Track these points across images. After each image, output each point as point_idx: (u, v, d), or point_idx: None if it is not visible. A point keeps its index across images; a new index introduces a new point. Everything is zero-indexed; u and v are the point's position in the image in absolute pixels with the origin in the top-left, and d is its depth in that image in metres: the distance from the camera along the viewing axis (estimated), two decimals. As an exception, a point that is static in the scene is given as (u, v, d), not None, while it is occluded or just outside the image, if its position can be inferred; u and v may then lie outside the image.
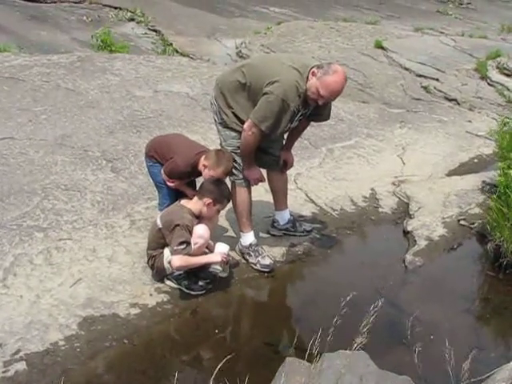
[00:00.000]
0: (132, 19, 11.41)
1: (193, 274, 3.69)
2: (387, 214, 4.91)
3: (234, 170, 3.90)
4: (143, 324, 3.40)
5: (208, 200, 3.59)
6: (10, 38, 9.13)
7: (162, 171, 3.90)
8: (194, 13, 12.26)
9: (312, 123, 5.35)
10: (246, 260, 4.04)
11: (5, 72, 6.96)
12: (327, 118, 4.10)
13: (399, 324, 3.49)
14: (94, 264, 3.83)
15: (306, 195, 5.08)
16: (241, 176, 3.91)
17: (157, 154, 3.94)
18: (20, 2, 11.66)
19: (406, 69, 9.17)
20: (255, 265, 3.99)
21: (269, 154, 4.11)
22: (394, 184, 5.43)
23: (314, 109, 3.86)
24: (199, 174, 3.85)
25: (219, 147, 3.96)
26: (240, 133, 3.77)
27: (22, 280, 3.61)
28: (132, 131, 5.85)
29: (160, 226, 3.60)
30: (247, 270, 4.00)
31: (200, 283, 3.69)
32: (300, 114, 3.79)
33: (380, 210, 4.97)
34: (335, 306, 3.12)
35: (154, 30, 10.70)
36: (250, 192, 4.00)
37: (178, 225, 3.50)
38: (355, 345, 2.77)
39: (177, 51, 9.55)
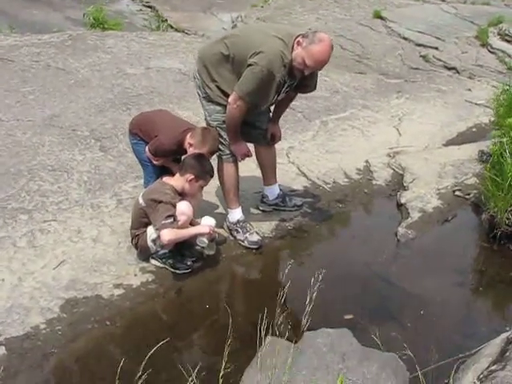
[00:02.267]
0: (127, -4, 11.22)
1: (178, 253, 3.62)
2: (381, 187, 4.80)
3: (220, 146, 3.80)
4: (126, 305, 3.34)
5: (190, 176, 3.50)
6: (1, 19, 8.97)
7: (147, 149, 3.80)
8: (190, -13, 12.02)
9: (305, 96, 5.25)
10: (234, 237, 3.96)
11: (-5, 54, 6.84)
12: (314, 88, 3.97)
13: (388, 299, 3.44)
14: (78, 245, 3.76)
15: (298, 169, 4.97)
16: (227, 151, 3.81)
17: (141, 132, 3.84)
18: (12, -18, 11.46)
19: (405, 38, 8.96)
20: (243, 241, 3.91)
21: (256, 127, 4.00)
22: (388, 155, 5.31)
23: (301, 79, 3.74)
24: (185, 151, 3.75)
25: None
26: (225, 107, 3.65)
27: (4, 264, 3.55)
28: (122, 109, 5.75)
29: (143, 205, 3.52)
30: (235, 247, 3.92)
31: (186, 261, 3.62)
32: (287, 85, 3.67)
33: (374, 182, 4.86)
34: (323, 283, 3.06)
35: (149, 7, 10.52)
36: (237, 167, 3.90)
37: (161, 201, 3.42)
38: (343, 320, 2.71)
39: (171, 27, 9.38)
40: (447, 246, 3.96)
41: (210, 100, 3.72)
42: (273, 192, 4.29)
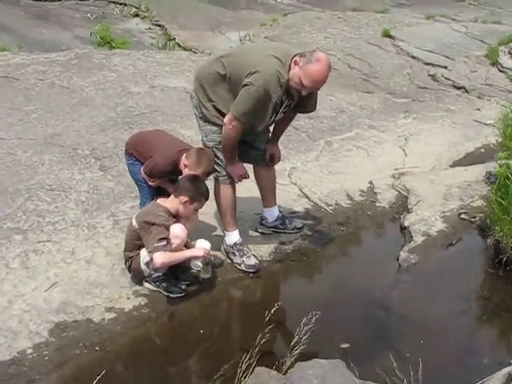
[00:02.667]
0: (137, 15, 11.30)
1: (172, 276, 3.53)
2: (384, 209, 4.69)
3: (216, 167, 3.73)
4: (117, 330, 3.25)
5: (184, 198, 3.42)
6: (11, 37, 9.06)
7: (142, 170, 3.74)
8: (200, 6, 12.10)
9: (309, 115, 5.17)
10: (231, 260, 3.86)
11: (2, 72, 6.86)
12: (313, 108, 3.90)
13: (387, 327, 3.32)
14: (71, 267, 3.69)
15: (300, 190, 4.88)
16: (224, 172, 3.73)
17: (136, 152, 3.79)
18: (25, 1, 11.61)
19: (414, 57, 8.89)
20: (240, 265, 3.81)
21: (254, 148, 3.93)
22: (393, 177, 5.21)
23: (299, 99, 3.67)
24: (181, 172, 3.68)
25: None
26: (221, 127, 3.59)
27: (-6, 285, 3.49)
28: (124, 128, 5.71)
29: (136, 227, 3.45)
30: (232, 271, 3.82)
31: (180, 285, 3.53)
32: (284, 105, 3.60)
33: (377, 204, 4.75)
34: (321, 310, 2.96)
35: (158, 25, 10.58)
36: (234, 189, 3.82)
37: (154, 223, 3.34)
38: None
39: (179, 45, 9.40)
40: (450, 272, 3.83)
41: (206, 120, 3.66)
42: (272, 214, 4.19)
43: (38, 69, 7.06)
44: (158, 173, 3.66)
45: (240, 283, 3.74)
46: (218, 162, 3.70)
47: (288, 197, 4.75)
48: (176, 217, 3.49)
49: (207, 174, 3.62)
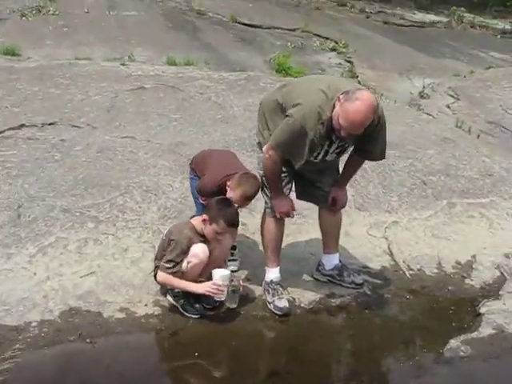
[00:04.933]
0: (334, 49, 11.39)
1: (192, 295, 3.50)
2: (471, 289, 4.04)
3: (264, 197, 3.63)
4: (117, 330, 3.33)
5: (205, 216, 3.38)
6: (209, 55, 9.75)
7: (196, 187, 3.80)
8: (402, 50, 11.77)
9: (447, 172, 4.72)
10: (266, 297, 3.70)
11: (171, 81, 7.51)
12: (379, 156, 3.56)
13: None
14: (115, 262, 3.89)
15: (388, 246, 4.46)
16: (270, 204, 3.60)
17: (197, 168, 3.86)
18: (238, 27, 12.48)
19: None
20: (270, 304, 3.62)
21: (316, 187, 3.72)
22: (506, 256, 4.46)
23: (359, 143, 3.39)
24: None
25: None
26: None
27: (46, 260, 3.83)
28: (246, 149, 5.80)
29: (164, 238, 3.50)
30: (262, 308, 3.65)
31: (196, 306, 3.48)
32: (335, 145, 3.36)
33: (467, 281, 4.12)
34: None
35: (349, 61, 10.55)
36: (279, 223, 3.65)
37: (172, 240, 3.37)
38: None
39: (359, 83, 9.27)
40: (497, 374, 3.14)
41: (261, 148, 3.58)
42: (330, 262, 3.91)
43: (203, 84, 7.56)
44: (205, 192, 3.67)
45: (262, 323, 3.54)
46: (267, 192, 3.58)
47: (371, 250, 4.40)
48: (204, 236, 3.45)
49: (246, 199, 3.50)
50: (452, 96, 8.59)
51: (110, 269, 3.80)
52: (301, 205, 4.08)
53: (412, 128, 6.87)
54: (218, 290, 3.35)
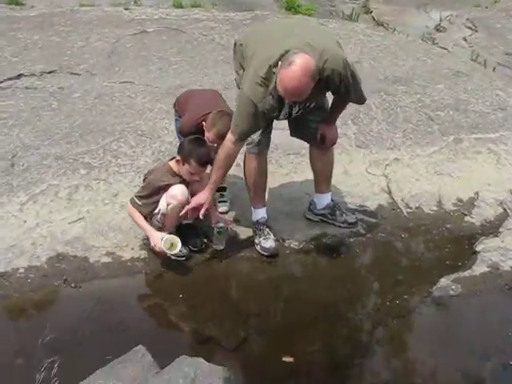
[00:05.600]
0: (351, -16, 10.94)
1: (179, 238, 3.47)
2: (471, 226, 3.92)
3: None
4: (103, 274, 3.35)
5: (178, 157, 3.32)
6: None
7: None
8: (423, -19, 11.24)
9: (456, 106, 4.67)
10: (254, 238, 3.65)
11: (175, 24, 7.31)
12: (357, 102, 3.44)
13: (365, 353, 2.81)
14: (105, 208, 3.87)
15: (387, 184, 4.34)
16: (250, 140, 3.46)
17: (179, 108, 3.77)
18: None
19: None
20: (256, 245, 3.58)
21: (305, 125, 3.58)
22: (511, 192, 4.30)
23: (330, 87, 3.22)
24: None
25: None
26: None
27: (36, 208, 3.84)
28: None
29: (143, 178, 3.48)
30: (249, 249, 3.62)
31: (182, 248, 3.45)
32: (297, 108, 3.26)
33: (466, 218, 4.00)
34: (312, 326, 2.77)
35: (365, -5, 10.12)
36: (261, 162, 3.54)
37: (145, 179, 3.40)
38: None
39: (373, 19, 8.90)
40: (482, 324, 3.04)
41: (238, 85, 3.46)
42: (321, 201, 3.82)
43: (208, 25, 7.34)
44: (184, 132, 3.59)
45: (248, 264, 3.52)
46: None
47: (368, 189, 4.28)
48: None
49: (221, 138, 3.38)
50: (470, 28, 8.18)
51: (98, 214, 3.79)
52: (299, 143, 4.00)
53: (423, 63, 6.56)
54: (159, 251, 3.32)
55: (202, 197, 3.30)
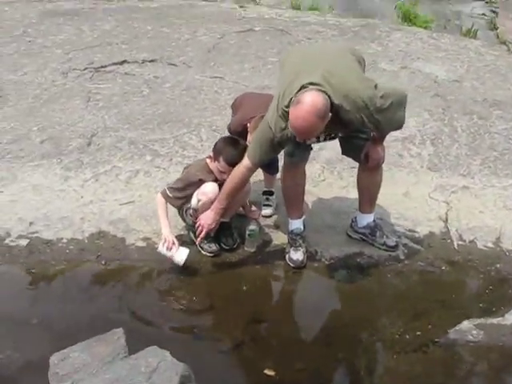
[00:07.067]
0: (488, -2, 10.34)
1: (213, 236, 3.56)
2: (521, 270, 3.62)
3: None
4: (133, 257, 3.52)
5: (211, 153, 3.41)
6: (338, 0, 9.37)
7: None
8: None
9: None
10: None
11: (282, 25, 7.40)
12: (391, 131, 3.37)
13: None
14: (156, 195, 4.06)
15: (446, 212, 4.12)
16: (286, 150, 3.40)
17: (234, 107, 3.86)
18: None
19: None
20: (286, 254, 3.58)
21: (352, 140, 3.51)
22: None
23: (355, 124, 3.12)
24: None
25: None
26: None
27: (96, 186, 4.13)
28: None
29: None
30: (279, 256, 3.62)
31: (212, 245, 3.55)
32: (323, 137, 3.23)
33: (520, 261, 3.70)
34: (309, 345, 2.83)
35: (495, 12, 9.49)
36: (296, 173, 3.49)
37: (183, 172, 3.51)
38: None
39: (497, 36, 8.36)
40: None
41: None
42: (362, 220, 3.73)
43: (315, 29, 7.35)
44: (231, 131, 3.67)
45: (271, 270, 3.52)
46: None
47: (424, 214, 4.10)
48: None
49: None
50: None
51: (148, 200, 3.98)
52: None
53: (532, 87, 6.10)
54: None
55: (211, 218, 3.34)
